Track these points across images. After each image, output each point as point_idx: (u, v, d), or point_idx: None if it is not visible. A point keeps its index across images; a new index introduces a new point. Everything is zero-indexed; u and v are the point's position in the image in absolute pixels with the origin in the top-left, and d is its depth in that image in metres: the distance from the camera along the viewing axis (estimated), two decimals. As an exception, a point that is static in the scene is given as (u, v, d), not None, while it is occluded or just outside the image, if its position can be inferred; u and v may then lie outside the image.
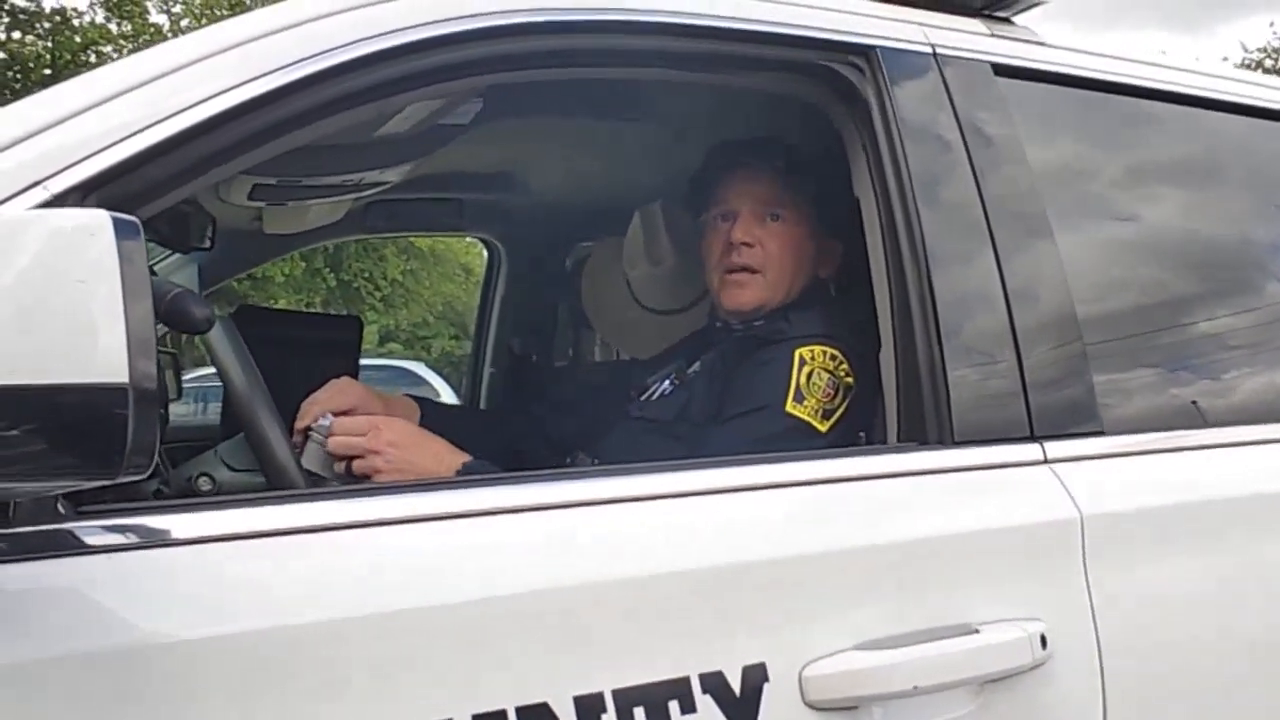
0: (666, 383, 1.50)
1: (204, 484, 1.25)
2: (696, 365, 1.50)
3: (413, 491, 1.01)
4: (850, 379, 1.36)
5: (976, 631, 1.04)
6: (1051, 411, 1.18)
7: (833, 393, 1.34)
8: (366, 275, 13.44)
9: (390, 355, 13.05)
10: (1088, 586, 1.11)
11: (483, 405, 2.77)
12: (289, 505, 0.94)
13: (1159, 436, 1.27)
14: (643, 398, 1.50)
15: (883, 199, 1.22)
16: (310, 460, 1.28)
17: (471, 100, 1.51)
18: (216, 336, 1.17)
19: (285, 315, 2.84)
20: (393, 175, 1.82)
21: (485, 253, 2.82)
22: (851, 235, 1.43)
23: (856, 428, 1.31)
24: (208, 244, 1.78)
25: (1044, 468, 1.16)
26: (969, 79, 1.28)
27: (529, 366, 2.72)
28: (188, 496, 1.22)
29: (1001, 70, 1.32)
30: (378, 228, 2.48)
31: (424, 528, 0.94)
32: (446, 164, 2.24)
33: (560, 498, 0.99)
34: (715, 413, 1.37)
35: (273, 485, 1.13)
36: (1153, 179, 1.49)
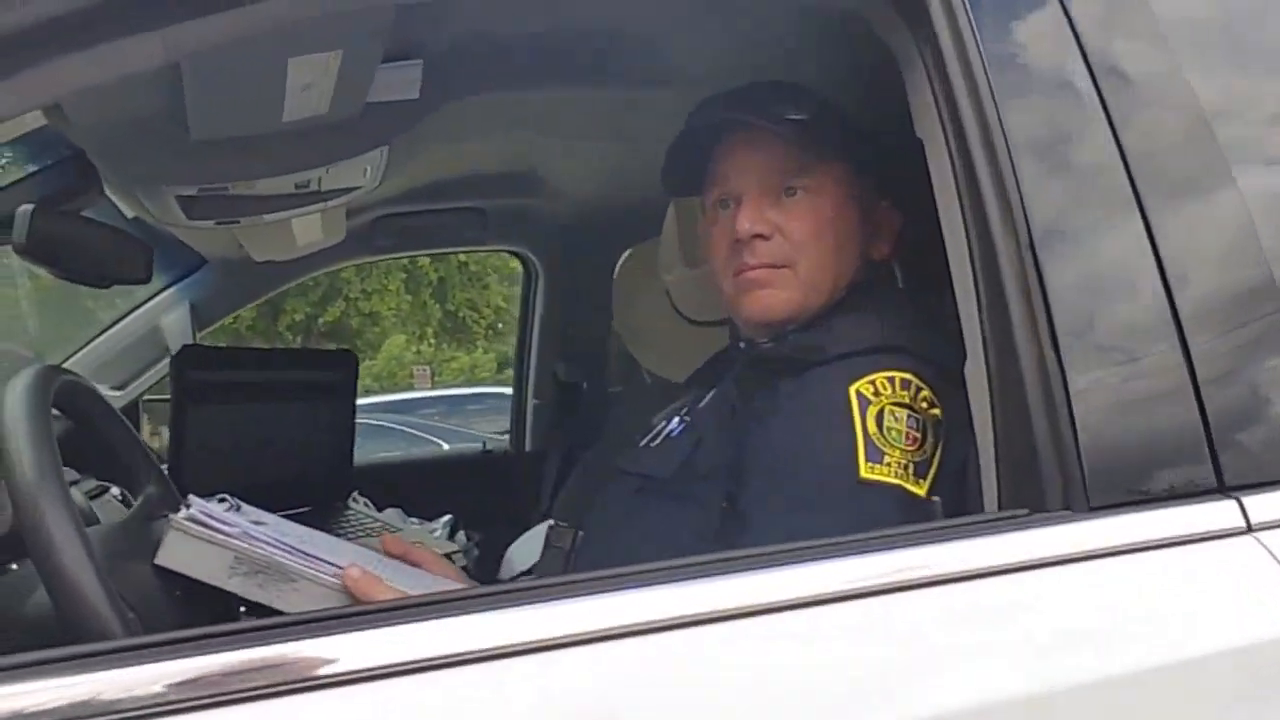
0: (675, 421, 1.09)
1: None
2: (709, 396, 1.09)
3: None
4: (937, 410, 0.94)
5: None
6: (1250, 450, 0.73)
7: (919, 436, 0.92)
8: (471, 304, 13.44)
9: (509, 382, 13.01)
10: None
11: (529, 442, 2.42)
12: None
13: None
14: (643, 443, 1.10)
15: (956, 142, 0.80)
16: (180, 557, 0.94)
17: (405, 66, 1.16)
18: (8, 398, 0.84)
19: (268, 354, 2.57)
20: (356, 175, 1.49)
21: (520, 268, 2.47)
22: (916, 194, 1.01)
23: (961, 478, 0.88)
24: (144, 277, 1.48)
25: (1248, 539, 0.71)
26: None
27: (578, 395, 2.36)
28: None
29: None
30: (389, 246, 2.17)
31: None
32: (451, 166, 1.92)
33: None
34: (736, 468, 0.96)
35: (62, 615, 0.78)
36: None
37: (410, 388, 11.88)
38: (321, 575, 0.94)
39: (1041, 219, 0.74)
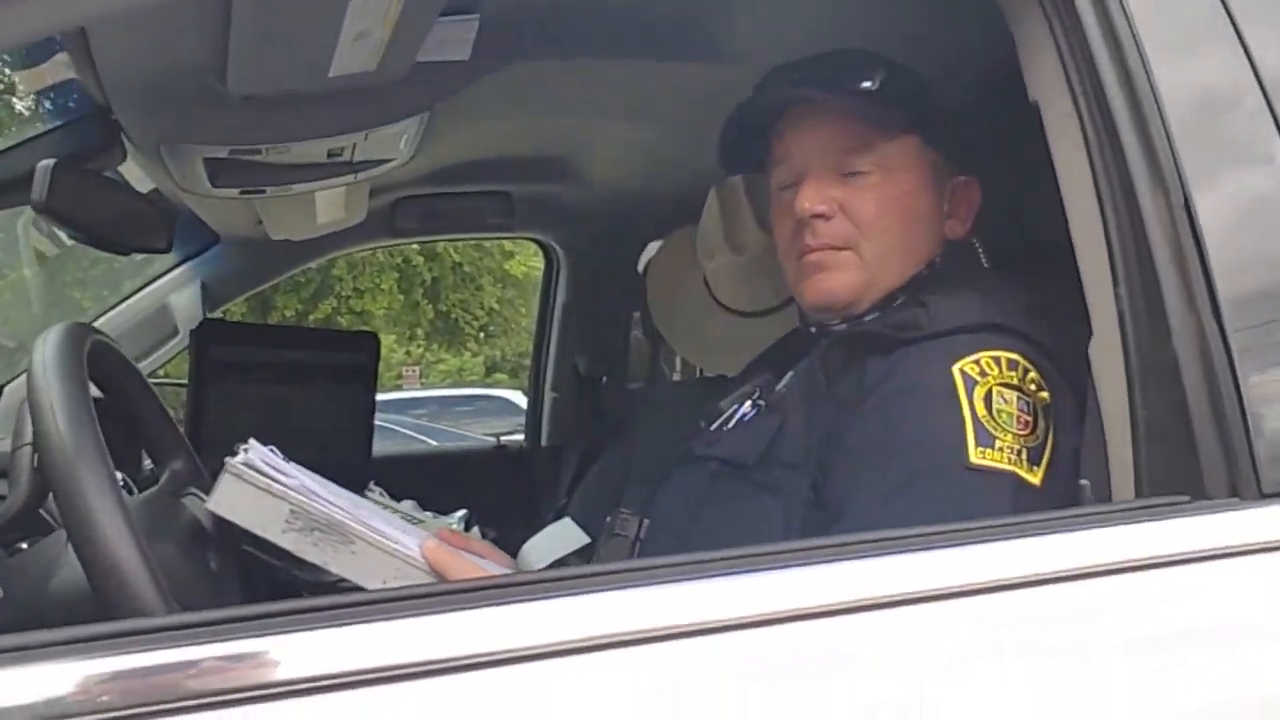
0: (746, 405, 1.02)
1: None
2: (787, 379, 1.02)
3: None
4: (1046, 394, 0.86)
5: None
6: None
7: (1030, 420, 0.84)
8: (464, 305, 13.33)
9: (496, 385, 12.93)
10: None
11: (545, 437, 2.35)
12: None
13: None
14: (713, 427, 1.03)
15: (1092, 92, 0.73)
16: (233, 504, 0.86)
17: (461, 21, 1.09)
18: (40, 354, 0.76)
19: (290, 333, 2.49)
20: (391, 146, 1.42)
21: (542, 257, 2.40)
22: (999, 169, 0.94)
23: (1072, 469, 0.80)
24: (164, 246, 1.40)
25: None
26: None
27: (598, 390, 2.29)
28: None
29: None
30: (410, 230, 2.09)
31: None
32: (483, 147, 1.84)
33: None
34: (823, 456, 0.89)
35: (99, 591, 0.70)
36: None
37: (399, 389, 11.77)
38: (384, 540, 0.87)
39: (1197, 177, 0.68)
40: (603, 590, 0.57)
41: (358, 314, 11.85)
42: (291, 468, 0.89)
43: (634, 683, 0.55)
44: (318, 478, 0.92)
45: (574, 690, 0.54)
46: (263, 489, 0.85)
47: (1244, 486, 0.63)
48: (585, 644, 0.54)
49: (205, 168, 1.31)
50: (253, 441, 0.89)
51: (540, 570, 0.89)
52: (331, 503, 0.86)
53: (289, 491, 0.85)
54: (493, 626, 0.55)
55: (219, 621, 0.57)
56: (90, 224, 1.23)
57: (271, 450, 0.92)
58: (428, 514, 1.89)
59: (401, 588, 0.76)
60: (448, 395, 10.45)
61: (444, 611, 0.56)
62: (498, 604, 0.56)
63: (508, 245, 12.67)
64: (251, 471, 0.85)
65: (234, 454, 0.88)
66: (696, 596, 0.57)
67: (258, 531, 0.86)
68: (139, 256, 2.06)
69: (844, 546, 0.62)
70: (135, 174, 1.52)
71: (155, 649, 0.55)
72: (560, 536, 1.60)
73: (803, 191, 0.99)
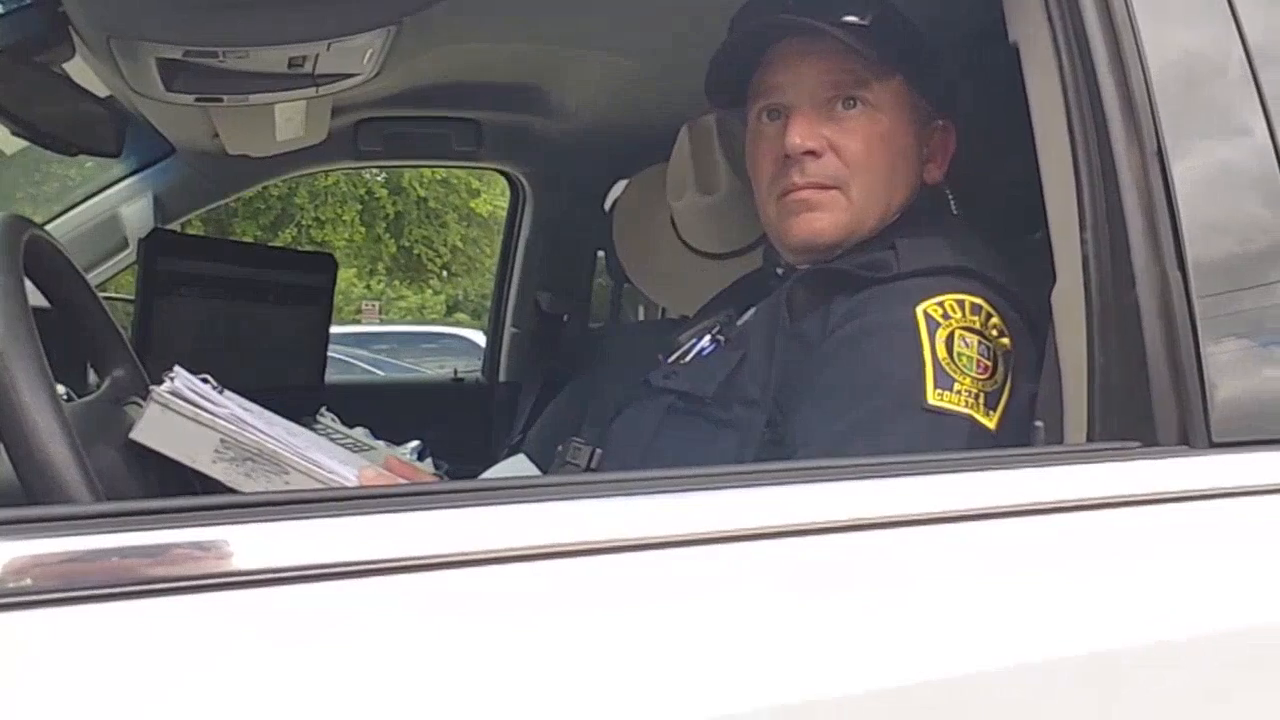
0: (706, 339, 1.01)
1: None
2: (749, 314, 1.01)
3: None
4: (1007, 340, 0.86)
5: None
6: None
7: (990, 365, 0.84)
8: (427, 242, 13.14)
9: (458, 325, 12.83)
10: None
11: (503, 372, 2.33)
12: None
13: None
14: (671, 360, 1.02)
15: (1074, 34, 0.72)
16: (160, 434, 0.84)
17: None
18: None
19: (244, 249, 2.44)
20: (355, 60, 1.37)
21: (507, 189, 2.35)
22: (979, 115, 0.93)
23: (1027, 416, 0.80)
24: (113, 149, 1.34)
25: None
26: None
27: (559, 327, 2.27)
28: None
29: None
30: (373, 153, 2.03)
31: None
32: (452, 70, 1.78)
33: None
34: (782, 393, 0.88)
35: (28, 487, 0.68)
36: None
37: (357, 323, 11.63)
38: (317, 469, 0.85)
39: (1173, 130, 0.67)
40: (551, 500, 0.56)
41: (318, 244, 11.62)
42: (224, 396, 0.86)
43: (577, 592, 0.54)
44: (253, 406, 0.90)
45: (518, 594, 0.53)
46: (190, 418, 0.83)
47: (1195, 436, 0.63)
48: (532, 551, 0.54)
49: (159, 69, 1.25)
50: (178, 369, 0.86)
51: (491, 479, 0.88)
52: (264, 432, 0.84)
53: (218, 420, 0.82)
54: (443, 530, 0.54)
55: (149, 512, 0.55)
56: (37, 120, 1.18)
57: (204, 378, 0.89)
58: (380, 442, 1.87)
59: (339, 488, 0.75)
60: (411, 332, 10.34)
61: (388, 512, 0.55)
62: (449, 508, 0.55)
63: (474, 183, 12.49)
64: (178, 400, 0.83)
65: (160, 382, 0.86)
66: (629, 511, 0.57)
67: (186, 461, 0.83)
68: (92, 170, 1.99)
69: (795, 471, 0.61)
70: (90, 79, 1.46)
71: (86, 534, 0.53)
72: (514, 471, 1.60)
73: (792, 127, 0.97)
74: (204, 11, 1.11)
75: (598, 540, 0.55)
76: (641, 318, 2.28)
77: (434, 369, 6.99)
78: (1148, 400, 0.64)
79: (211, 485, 0.95)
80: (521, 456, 1.62)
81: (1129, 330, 0.66)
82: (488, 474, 1.56)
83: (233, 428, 0.82)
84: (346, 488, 0.83)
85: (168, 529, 0.51)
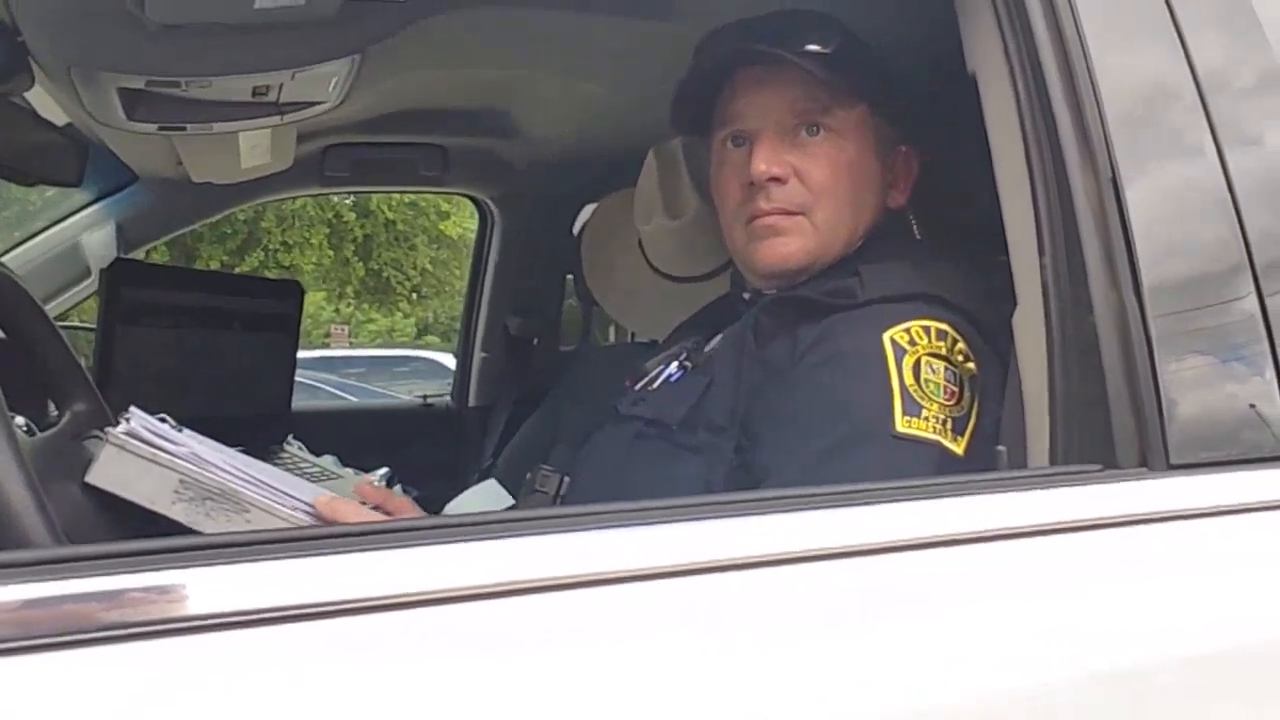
0: (673, 366, 1.01)
1: None
2: (716, 341, 1.01)
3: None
4: (972, 364, 0.87)
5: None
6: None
7: (956, 390, 0.85)
8: (396, 265, 13.09)
9: (428, 347, 12.76)
10: None
11: (472, 397, 2.32)
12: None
13: None
14: (639, 387, 1.02)
15: (1029, 64, 0.73)
16: (116, 476, 0.83)
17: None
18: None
19: (208, 277, 2.42)
20: (320, 89, 1.36)
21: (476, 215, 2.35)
22: (935, 138, 0.95)
23: (993, 440, 0.80)
24: (74, 179, 1.33)
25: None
26: None
27: (529, 351, 2.26)
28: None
29: None
30: (340, 179, 2.02)
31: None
32: (417, 97, 1.79)
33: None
34: (750, 419, 0.88)
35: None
36: None
37: (326, 346, 11.54)
38: (278, 506, 0.84)
39: (1126, 157, 0.68)
40: (518, 535, 0.56)
41: (286, 268, 11.55)
42: (182, 435, 0.85)
43: (546, 627, 0.54)
44: (212, 443, 0.89)
45: (483, 633, 0.53)
46: (147, 459, 0.81)
47: (1154, 458, 0.64)
48: (497, 589, 0.53)
49: (120, 99, 1.24)
50: (134, 409, 0.85)
51: (456, 515, 0.87)
52: (224, 470, 0.82)
53: (176, 460, 0.81)
54: (406, 568, 0.54)
55: (110, 555, 0.54)
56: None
57: (161, 417, 0.88)
58: (348, 470, 1.85)
59: (305, 528, 0.74)
60: (381, 355, 10.28)
61: (351, 551, 0.54)
62: (410, 546, 0.55)
63: (443, 205, 12.47)
64: (135, 441, 0.82)
65: (117, 423, 0.84)
66: (592, 546, 0.57)
67: (145, 504, 0.82)
68: (54, 196, 1.97)
69: (761, 501, 0.61)
70: (50, 107, 1.44)
71: (44, 580, 0.52)
72: (484, 496, 1.59)
73: (757, 153, 0.98)
74: (166, 42, 1.10)
75: (567, 575, 0.55)
76: (612, 340, 2.28)
77: (404, 393, 6.94)
78: (1108, 423, 0.65)
79: (174, 522, 0.94)
80: (492, 481, 1.61)
81: (1088, 354, 0.67)
82: (458, 500, 1.55)
83: (192, 467, 0.81)
84: (308, 527, 0.82)
85: (125, 574, 0.50)
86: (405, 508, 0.98)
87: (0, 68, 1.18)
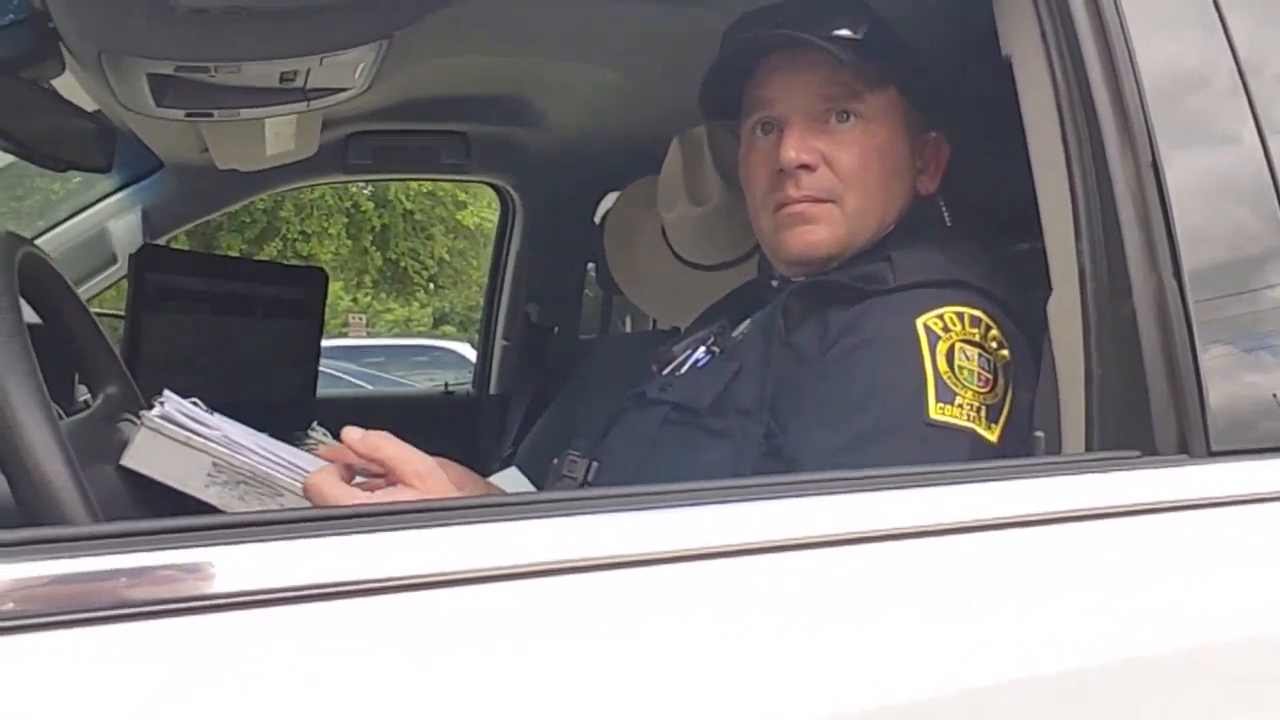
0: (700, 351, 1.01)
1: None
2: (744, 326, 1.01)
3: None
4: (1006, 351, 0.86)
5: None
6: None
7: (990, 377, 0.84)
8: (414, 254, 13.11)
9: (445, 337, 12.80)
10: None
11: (493, 385, 2.32)
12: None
13: None
14: (666, 372, 1.02)
15: (1067, 48, 0.72)
16: (151, 459, 0.84)
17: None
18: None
19: (234, 263, 2.43)
20: (346, 75, 1.37)
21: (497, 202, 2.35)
22: (971, 127, 0.94)
23: (1027, 428, 0.80)
24: (103, 164, 1.34)
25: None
26: None
27: (549, 340, 2.27)
28: None
29: None
30: (363, 166, 2.03)
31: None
32: (442, 84, 1.79)
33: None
34: (779, 404, 0.88)
35: (24, 505, 0.68)
36: None
37: (344, 335, 11.59)
38: None
39: (1167, 141, 0.68)
40: (546, 516, 0.56)
41: (304, 258, 11.58)
42: (215, 419, 0.86)
43: (575, 608, 0.54)
44: (245, 428, 0.89)
45: (512, 612, 0.53)
46: (181, 442, 0.82)
47: (1194, 444, 0.64)
48: (525, 570, 0.53)
49: (149, 85, 1.24)
50: (168, 392, 0.86)
51: (483, 496, 0.87)
52: (257, 453, 0.83)
53: (210, 444, 0.82)
54: (436, 548, 0.54)
55: (152, 532, 0.55)
56: (26, 136, 1.17)
57: (194, 401, 0.88)
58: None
59: (333, 508, 0.74)
60: (400, 345, 10.32)
61: (381, 531, 0.55)
62: (440, 525, 0.55)
63: (461, 195, 12.47)
64: (170, 425, 0.82)
65: (150, 407, 0.85)
66: (632, 527, 0.57)
67: (178, 486, 0.83)
68: (76, 185, 1.98)
69: (794, 485, 0.61)
70: (79, 95, 1.45)
71: (84, 555, 0.52)
72: (506, 484, 1.59)
73: (787, 140, 0.97)
74: (195, 27, 1.11)
75: (595, 557, 0.55)
76: (629, 328, 2.28)
77: (423, 383, 6.96)
78: (1146, 410, 0.65)
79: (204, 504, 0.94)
80: (514, 469, 1.62)
81: (1126, 340, 0.66)
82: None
83: (225, 450, 0.81)
84: (337, 508, 0.82)
85: (153, 550, 0.50)
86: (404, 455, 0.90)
87: (32, 53, 1.19)
